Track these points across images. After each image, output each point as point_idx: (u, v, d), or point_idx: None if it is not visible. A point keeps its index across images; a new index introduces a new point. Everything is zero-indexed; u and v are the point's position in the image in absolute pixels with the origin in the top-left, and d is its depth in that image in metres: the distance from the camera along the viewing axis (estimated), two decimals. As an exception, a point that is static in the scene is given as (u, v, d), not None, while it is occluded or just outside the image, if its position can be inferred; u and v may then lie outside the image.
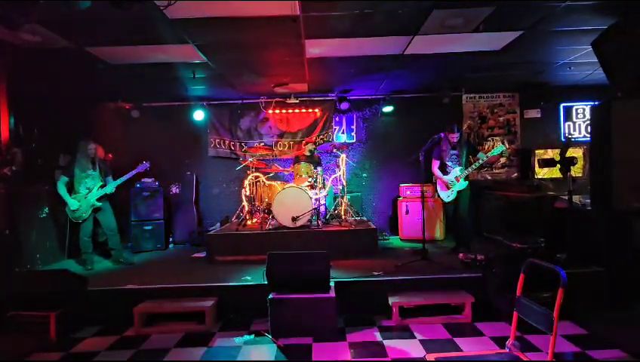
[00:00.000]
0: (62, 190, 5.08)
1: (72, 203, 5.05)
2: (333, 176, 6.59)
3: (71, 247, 5.78)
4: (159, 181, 6.68)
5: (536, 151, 6.74)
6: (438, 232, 6.39)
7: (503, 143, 7.06)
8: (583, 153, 6.61)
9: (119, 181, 5.28)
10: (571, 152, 5.93)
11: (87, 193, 5.10)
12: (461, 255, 4.78)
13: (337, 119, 7.24)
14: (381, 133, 7.24)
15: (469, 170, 5.15)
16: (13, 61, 4.57)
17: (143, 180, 6.50)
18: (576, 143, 6.81)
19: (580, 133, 7.12)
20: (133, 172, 5.38)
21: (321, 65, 5.28)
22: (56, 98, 6.06)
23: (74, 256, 5.73)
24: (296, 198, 5.38)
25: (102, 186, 5.18)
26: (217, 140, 7.22)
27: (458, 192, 5.19)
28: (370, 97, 7.14)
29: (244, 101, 7.07)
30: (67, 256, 5.81)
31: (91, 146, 5.16)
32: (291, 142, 7.27)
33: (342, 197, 6.33)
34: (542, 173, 6.72)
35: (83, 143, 5.14)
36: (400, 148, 7.04)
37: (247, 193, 6.29)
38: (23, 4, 3.27)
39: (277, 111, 7.12)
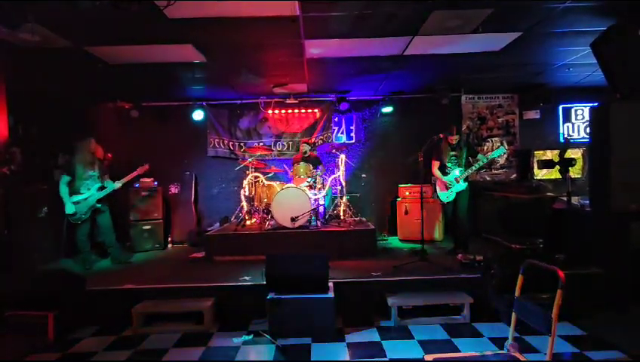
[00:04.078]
0: (63, 190, 5.00)
1: (70, 207, 4.99)
2: (332, 177, 6.58)
3: (68, 247, 5.77)
4: (158, 181, 6.67)
5: (535, 152, 6.75)
6: (437, 233, 6.39)
7: (502, 144, 7.06)
8: (582, 154, 6.62)
9: (120, 182, 5.29)
10: (570, 153, 5.94)
11: (88, 194, 5.09)
12: (460, 256, 4.78)
13: (337, 120, 7.24)
14: (380, 134, 7.24)
15: (469, 171, 5.14)
16: (13, 60, 4.56)
17: (141, 180, 6.49)
18: (576, 144, 6.82)
19: (579, 134, 7.13)
20: (134, 173, 5.40)
21: (320, 66, 5.28)
22: (55, 97, 6.06)
23: (71, 256, 5.72)
24: (295, 199, 5.38)
25: (100, 188, 5.17)
26: (216, 140, 7.21)
27: (457, 193, 5.19)
28: (369, 98, 7.14)
29: (244, 101, 7.07)
30: (64, 256, 5.80)
31: (93, 146, 5.16)
32: (290, 143, 7.27)
33: (341, 198, 6.33)
34: (541, 174, 6.73)
35: (85, 142, 5.12)
36: (399, 148, 7.05)
37: (246, 193, 6.29)
38: (22, 3, 3.26)
39: (276, 111, 7.11)
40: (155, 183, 6.63)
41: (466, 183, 5.18)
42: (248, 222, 6.06)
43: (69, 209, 5.01)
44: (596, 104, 4.33)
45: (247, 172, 6.28)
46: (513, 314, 2.74)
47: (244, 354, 3.33)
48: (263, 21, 3.76)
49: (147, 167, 5.52)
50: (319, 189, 5.94)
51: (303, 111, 7.15)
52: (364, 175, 7.26)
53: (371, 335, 3.62)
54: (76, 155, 5.14)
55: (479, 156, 5.14)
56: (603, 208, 4.11)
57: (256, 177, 6.20)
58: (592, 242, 4.33)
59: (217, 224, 6.87)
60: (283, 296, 3.64)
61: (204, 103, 6.98)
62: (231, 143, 7.25)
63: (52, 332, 3.68)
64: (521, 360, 2.70)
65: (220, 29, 3.94)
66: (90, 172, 5.14)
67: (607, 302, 3.95)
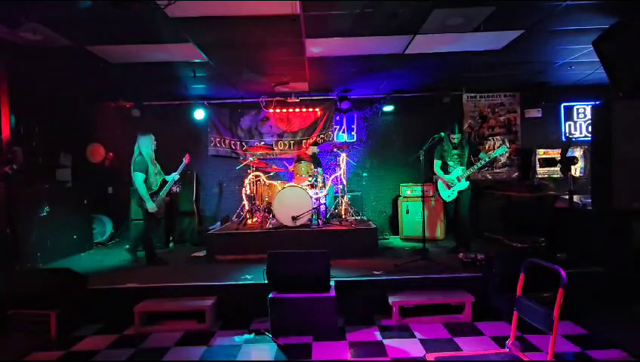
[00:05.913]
0: (143, 190, 4.90)
1: (151, 205, 4.97)
2: (333, 176, 6.58)
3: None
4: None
5: (537, 151, 6.73)
6: (439, 232, 6.38)
7: (504, 143, 7.05)
8: (584, 153, 6.60)
9: (177, 173, 5.31)
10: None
11: (158, 189, 5.11)
12: (461, 254, 4.77)
13: (338, 118, 7.23)
14: (382, 133, 7.24)
15: (471, 170, 5.14)
16: (14, 60, 4.57)
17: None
18: (577, 143, 6.80)
19: (581, 132, 7.11)
20: (182, 165, 5.35)
21: (321, 65, 5.28)
22: (56, 97, 6.07)
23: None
24: (297, 198, 5.38)
25: (163, 182, 5.20)
26: (218, 139, 7.22)
27: (459, 192, 5.18)
28: (370, 96, 7.14)
29: (245, 100, 7.06)
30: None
31: (154, 142, 5.09)
32: (292, 142, 7.27)
33: (342, 197, 6.33)
34: (542, 172, 6.71)
35: (148, 137, 5.03)
36: (400, 147, 7.05)
37: (248, 192, 6.29)
38: (23, 3, 3.27)
39: (277, 110, 7.12)
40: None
41: (468, 182, 5.17)
42: (249, 221, 6.07)
43: (152, 206, 4.98)
44: (598, 102, 4.32)
45: (249, 171, 6.28)
46: (515, 312, 2.74)
47: (246, 353, 3.34)
48: (264, 20, 3.77)
49: (189, 155, 5.49)
50: (320, 188, 5.95)
51: (304, 110, 7.15)
52: (365, 174, 7.26)
53: (372, 334, 3.62)
54: (143, 153, 5.00)
55: (481, 155, 5.14)
56: (605, 207, 4.10)
57: (257, 176, 6.20)
58: (593, 241, 4.33)
59: (218, 223, 6.87)
60: (284, 295, 3.64)
61: (205, 102, 6.98)
62: (232, 142, 7.25)
63: (54, 331, 3.69)
64: (523, 359, 2.71)
65: (221, 28, 3.95)
66: (158, 166, 5.15)
67: (608, 301, 3.95)
